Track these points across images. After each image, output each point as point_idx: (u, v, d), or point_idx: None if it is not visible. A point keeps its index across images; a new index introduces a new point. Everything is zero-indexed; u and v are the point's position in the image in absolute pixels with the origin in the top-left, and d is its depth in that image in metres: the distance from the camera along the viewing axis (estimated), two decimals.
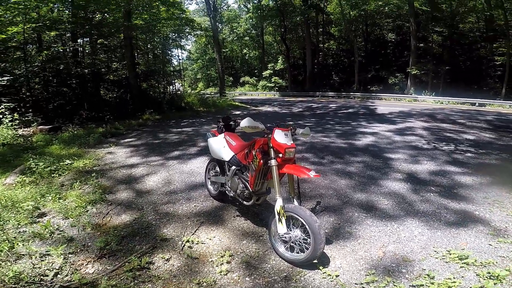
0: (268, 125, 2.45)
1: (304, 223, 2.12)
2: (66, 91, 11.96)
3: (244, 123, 2.36)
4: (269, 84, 34.97)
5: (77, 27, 11.76)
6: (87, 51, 13.74)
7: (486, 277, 2.02)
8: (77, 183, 3.93)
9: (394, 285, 2.00)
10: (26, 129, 7.59)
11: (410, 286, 2.00)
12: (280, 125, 2.42)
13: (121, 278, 2.12)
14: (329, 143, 6.62)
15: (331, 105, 18.86)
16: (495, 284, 1.95)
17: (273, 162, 2.28)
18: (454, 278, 2.04)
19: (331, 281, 2.09)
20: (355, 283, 2.06)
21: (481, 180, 4.07)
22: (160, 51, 17.83)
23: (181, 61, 31.74)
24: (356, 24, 31.82)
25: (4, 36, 8.92)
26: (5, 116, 6.82)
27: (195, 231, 2.79)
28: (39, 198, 3.37)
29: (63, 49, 12.12)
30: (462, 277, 2.06)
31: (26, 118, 7.85)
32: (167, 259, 2.37)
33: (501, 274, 2.01)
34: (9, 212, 2.98)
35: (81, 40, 13.34)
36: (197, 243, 2.59)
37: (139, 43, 15.88)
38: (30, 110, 8.52)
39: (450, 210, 3.17)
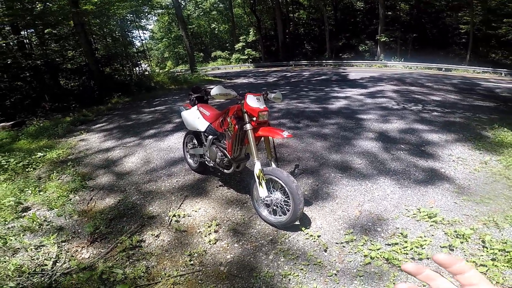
0: (240, 91, 2.47)
1: (283, 184, 2.20)
2: (21, 85, 11.26)
3: (214, 91, 2.36)
4: (243, 57, 34.21)
5: (16, 19, 10.81)
6: (35, 42, 12.85)
7: (454, 236, 2.13)
8: (54, 173, 3.82)
9: (372, 244, 2.11)
10: None
11: (385, 244, 2.12)
12: (252, 92, 2.44)
13: (116, 259, 2.17)
14: (304, 108, 6.75)
15: (304, 73, 18.91)
16: (461, 243, 2.06)
17: (248, 126, 2.32)
18: (425, 236, 2.14)
19: (314, 241, 2.22)
20: (336, 243, 2.19)
21: (446, 137, 4.26)
22: (119, 33, 16.84)
23: (144, 41, 30.14)
24: None
25: None
26: None
27: (180, 205, 2.86)
28: (18, 193, 3.27)
29: (5, 42, 11.18)
30: (432, 235, 2.17)
31: None
32: (157, 235, 2.43)
33: (467, 233, 2.11)
34: None
35: (25, 32, 12.47)
36: (183, 217, 2.67)
37: (93, 28, 14.93)
38: None
39: (419, 168, 3.33)
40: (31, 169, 4.13)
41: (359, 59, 25.84)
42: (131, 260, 2.17)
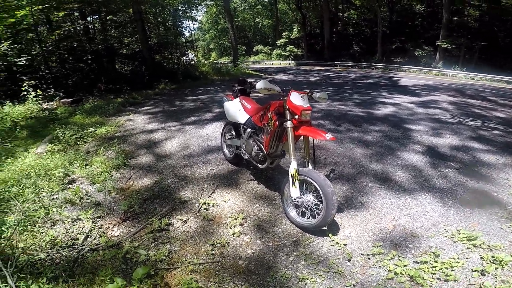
0: (285, 88, 2.42)
1: (318, 187, 2.13)
2: (83, 66, 12.46)
3: (260, 85, 2.34)
4: (284, 53, 33.94)
5: (84, 5, 11.84)
6: (98, 28, 13.95)
7: (490, 261, 1.98)
8: (101, 149, 4.10)
9: (399, 259, 2.01)
10: (50, 103, 7.96)
11: (414, 262, 2.01)
12: (296, 89, 2.38)
13: (143, 240, 2.27)
14: (347, 111, 6.47)
15: (350, 75, 18.22)
16: (496, 268, 1.92)
17: (288, 123, 2.27)
18: (458, 258, 2.02)
19: (339, 249, 2.14)
20: (361, 254, 2.09)
21: (505, 160, 3.80)
22: (171, 23, 17.65)
23: (192, 32, 31.23)
24: None
25: (13, 20, 9.10)
26: (29, 93, 7.16)
27: (211, 194, 2.91)
28: (68, 165, 3.55)
29: (74, 27, 12.34)
30: (466, 258, 2.04)
31: (49, 93, 8.24)
32: (185, 220, 2.50)
33: (505, 259, 1.97)
34: (42, 180, 3.15)
35: (91, 18, 13.57)
36: (212, 205, 2.71)
37: (149, 16, 15.81)
38: (51, 86, 8.91)
39: (468, 189, 3.05)
40: (82, 143, 4.50)
41: (413, 65, 24.03)
42: (156, 242, 2.25)
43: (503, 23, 24.10)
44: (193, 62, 17.54)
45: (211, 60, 22.26)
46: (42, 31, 12.13)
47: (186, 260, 2.05)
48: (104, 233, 2.37)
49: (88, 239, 2.29)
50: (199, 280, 1.89)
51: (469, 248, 2.13)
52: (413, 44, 26.63)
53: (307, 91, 2.45)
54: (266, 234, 2.33)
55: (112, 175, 3.39)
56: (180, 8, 18.95)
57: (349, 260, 2.04)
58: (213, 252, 2.13)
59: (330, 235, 2.25)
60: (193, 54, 20.84)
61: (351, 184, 3.10)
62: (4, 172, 3.27)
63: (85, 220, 2.49)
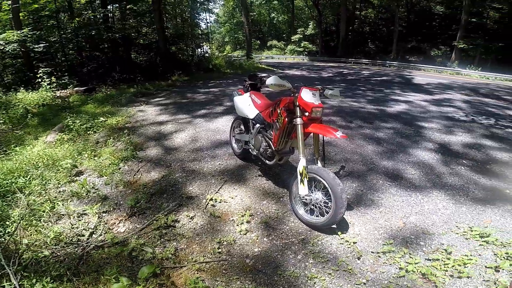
0: (296, 84, 2.38)
1: (327, 185, 2.09)
2: (99, 55, 12.55)
3: (270, 80, 2.29)
4: (298, 49, 33.67)
5: None
6: (117, 16, 14.03)
7: (504, 258, 1.95)
8: (111, 140, 4.13)
9: (410, 257, 1.99)
10: (63, 91, 8.10)
11: (425, 259, 1.98)
12: (307, 86, 2.33)
13: (149, 237, 2.23)
14: (359, 108, 6.36)
15: (364, 72, 17.92)
16: (510, 265, 1.88)
17: (298, 120, 2.23)
18: (471, 255, 1.99)
19: (348, 247, 2.10)
20: (372, 251, 2.06)
21: None
22: (189, 15, 17.59)
23: (209, 24, 31.13)
24: None
25: (36, 6, 9.22)
26: (43, 80, 7.27)
27: (218, 190, 2.89)
28: (76, 156, 3.56)
29: (94, 15, 12.40)
30: (479, 255, 2.01)
31: (63, 81, 8.35)
32: (192, 217, 2.47)
33: None
34: (50, 171, 3.13)
35: (111, 6, 13.60)
36: (220, 202, 2.69)
37: (167, 7, 15.82)
38: (66, 74, 9.04)
39: (480, 186, 3.01)
40: (92, 132, 4.54)
41: (428, 64, 23.59)
42: (162, 239, 2.21)
43: None
44: (207, 55, 17.53)
45: (225, 53, 22.24)
46: (62, 18, 12.26)
47: (192, 259, 2.02)
48: (109, 229, 2.34)
49: (94, 235, 2.25)
50: (206, 279, 1.86)
51: (482, 245, 2.11)
52: (429, 43, 26.34)
53: (319, 87, 2.39)
54: (274, 232, 2.29)
55: (120, 168, 3.38)
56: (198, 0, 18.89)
57: (359, 258, 2.01)
58: (219, 250, 2.11)
59: (339, 233, 2.22)
60: (208, 47, 20.82)
61: (361, 181, 3.04)
62: (12, 162, 3.27)
63: (91, 215, 2.46)
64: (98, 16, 12.94)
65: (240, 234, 2.27)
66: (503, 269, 1.85)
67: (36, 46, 9.00)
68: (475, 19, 24.02)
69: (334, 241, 2.17)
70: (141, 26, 14.87)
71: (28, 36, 8.56)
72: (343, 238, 2.17)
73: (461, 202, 2.69)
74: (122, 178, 3.14)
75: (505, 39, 22.48)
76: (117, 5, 13.71)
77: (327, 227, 2.22)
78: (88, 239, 2.20)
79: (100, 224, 2.39)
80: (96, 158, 3.58)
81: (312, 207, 2.28)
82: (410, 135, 4.50)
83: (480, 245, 2.11)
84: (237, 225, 2.37)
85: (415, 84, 12.33)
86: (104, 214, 2.54)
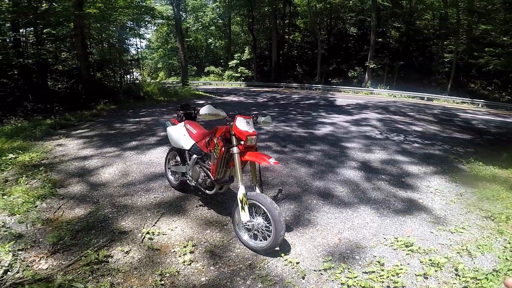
0: (230, 113, 2.44)
1: (266, 210, 2.16)
2: (7, 82, 10.94)
3: (204, 110, 2.31)
4: (235, 74, 34.57)
5: (19, 16, 10.72)
6: (31, 41, 12.64)
7: (428, 264, 2.18)
8: (23, 177, 3.60)
9: (349, 271, 2.11)
10: None
11: (363, 272, 2.12)
12: (242, 113, 2.42)
13: (78, 272, 2.03)
14: (291, 132, 6.81)
15: (294, 96, 19.30)
16: (435, 271, 2.11)
17: (235, 149, 2.28)
18: (401, 265, 2.18)
19: (292, 268, 2.17)
20: (314, 270, 2.16)
21: (425, 170, 4.45)
22: (116, 40, 16.80)
23: (140, 50, 30.22)
24: (321, 17, 32.64)
25: None
26: None
27: (155, 223, 2.73)
28: None
29: (2, 39, 10.96)
30: (408, 264, 2.22)
31: None
32: (127, 251, 2.30)
33: (441, 262, 2.19)
34: None
35: (24, 30, 12.27)
36: (158, 234, 2.54)
37: (92, 32, 14.86)
38: None
39: (398, 198, 3.43)
40: None
41: (348, 85, 26.72)
42: (95, 275, 2.03)
43: (415, 43, 28.41)
44: (137, 81, 16.79)
45: (158, 80, 21.55)
46: None
47: None
48: (28, 266, 2.09)
49: (9, 272, 1.99)
50: None
51: (408, 254, 2.35)
52: (347, 65, 29.62)
53: (252, 115, 2.50)
54: (220, 260, 2.26)
55: (37, 206, 2.98)
56: (128, 24, 18.20)
57: (303, 278, 2.08)
58: (162, 282, 1.99)
59: (282, 254, 2.28)
60: (138, 73, 20.01)
61: (298, 203, 3.21)
62: None
63: (3, 253, 2.16)
64: (7, 40, 11.48)
65: (184, 264, 2.18)
66: (430, 276, 2.06)
67: None
68: (381, 39, 27.94)
69: (279, 263, 2.22)
70: (60, 51, 13.59)
71: None
72: (286, 259, 2.24)
73: (385, 215, 3.01)
74: (40, 216, 2.77)
75: (404, 58, 26.76)
76: (32, 28, 12.41)
77: (271, 250, 2.27)
78: (2, 276, 1.93)
79: (16, 262, 2.10)
80: (5, 197, 3.09)
81: (255, 232, 2.31)
82: (336, 155, 4.98)
83: (406, 254, 2.33)
84: (180, 256, 2.27)
85: (337, 106, 13.79)
86: (20, 252, 2.22)
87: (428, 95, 21.63)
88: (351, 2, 29.44)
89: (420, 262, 2.24)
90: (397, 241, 2.49)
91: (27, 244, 2.33)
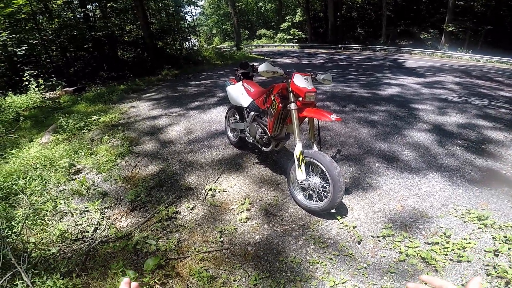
0: (288, 70, 2.36)
1: (324, 169, 2.09)
2: (84, 54, 12.29)
3: (262, 67, 2.28)
4: (288, 37, 33.45)
5: None
6: (98, 15, 13.74)
7: (502, 241, 1.94)
8: (106, 137, 4.09)
9: (410, 241, 1.99)
10: (52, 92, 7.97)
11: (425, 243, 1.99)
12: (299, 71, 2.32)
13: (152, 229, 2.24)
14: (352, 92, 6.38)
15: (354, 57, 17.87)
16: (509, 248, 1.88)
17: (292, 105, 2.23)
18: (470, 238, 1.99)
19: (348, 232, 2.11)
20: (371, 236, 2.07)
21: None
22: (173, 9, 17.27)
23: (195, 17, 30.67)
24: None
25: (11, 9, 8.98)
26: (31, 83, 7.13)
27: (217, 179, 2.89)
28: (73, 155, 3.53)
29: (73, 15, 12.12)
30: (478, 238, 2.01)
31: (51, 83, 8.19)
32: (192, 208, 2.48)
33: None
34: (48, 171, 3.13)
35: (90, 6, 13.34)
36: (219, 191, 2.70)
37: (150, 3, 15.45)
38: (53, 75, 8.85)
39: (476, 167, 3.01)
40: (86, 131, 4.49)
41: (419, 48, 23.53)
42: (165, 231, 2.23)
43: (509, 8, 23.64)
44: (195, 48, 17.28)
45: (213, 45, 21.97)
46: (41, 20, 12.01)
47: (195, 249, 2.04)
48: (113, 224, 2.35)
49: (98, 231, 2.26)
50: (210, 268, 1.88)
51: (480, 228, 2.10)
52: (418, 27, 26.22)
53: (311, 73, 2.38)
54: (274, 219, 2.31)
55: (118, 164, 3.37)
56: None
57: (359, 243, 2.02)
58: (221, 239, 2.12)
59: (338, 217, 2.23)
60: (196, 40, 20.55)
61: (358, 165, 3.06)
62: (10, 164, 3.25)
63: (93, 212, 2.47)
64: (78, 16, 12.69)
65: (241, 222, 2.29)
66: (502, 253, 1.85)
67: (18, 49, 8.83)
68: (462, 2, 24.00)
69: (334, 226, 2.18)
70: (124, 23, 14.63)
71: (8, 40, 8.38)
72: (342, 223, 2.18)
73: (458, 184, 2.69)
74: (121, 174, 3.13)
75: (493, 23, 22.69)
76: (97, 4, 13.41)
77: (326, 212, 2.23)
78: (92, 235, 2.21)
79: (103, 220, 2.40)
80: (92, 155, 3.55)
81: (310, 192, 2.29)
82: (404, 117, 4.52)
83: (478, 228, 2.10)
84: (237, 214, 2.38)
85: (406, 68, 12.36)
86: (106, 210, 2.54)
87: None
88: None
89: (493, 237, 2.00)
90: (469, 213, 2.24)
91: (111, 202, 2.64)
